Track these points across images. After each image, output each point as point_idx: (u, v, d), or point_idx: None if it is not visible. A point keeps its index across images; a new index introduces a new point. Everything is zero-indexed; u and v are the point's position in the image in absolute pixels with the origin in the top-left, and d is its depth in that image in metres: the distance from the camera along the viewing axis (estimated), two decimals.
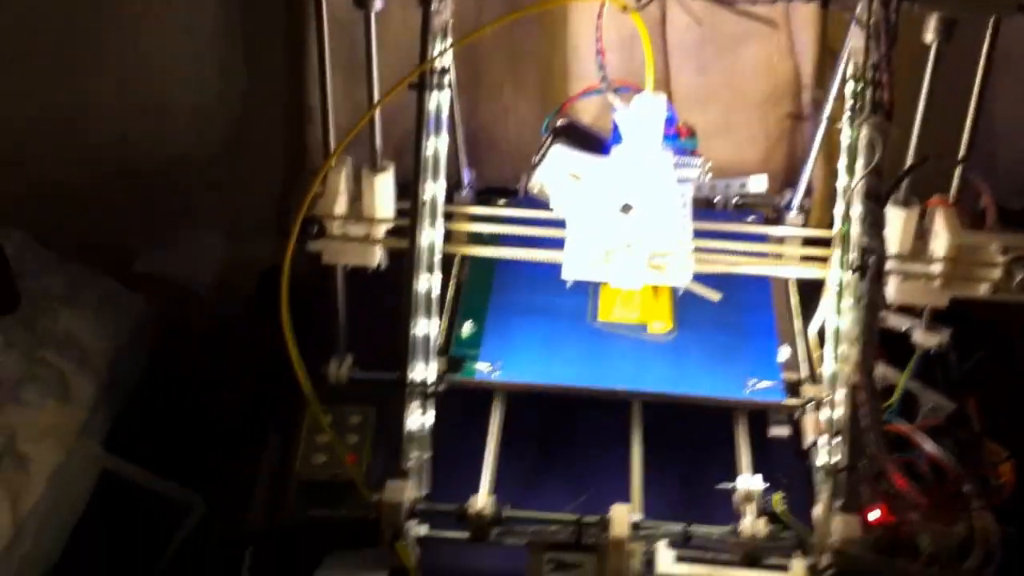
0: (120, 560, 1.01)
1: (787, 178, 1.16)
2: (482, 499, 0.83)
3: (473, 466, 0.88)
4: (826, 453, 0.81)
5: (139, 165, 1.23)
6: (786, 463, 0.91)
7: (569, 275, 0.91)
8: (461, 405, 0.95)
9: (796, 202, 1.09)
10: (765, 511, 0.84)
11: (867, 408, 0.77)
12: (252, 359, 1.16)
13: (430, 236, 0.90)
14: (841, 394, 0.80)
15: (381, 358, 0.94)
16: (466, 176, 1.12)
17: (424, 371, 0.88)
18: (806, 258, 0.99)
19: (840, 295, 0.84)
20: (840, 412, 0.80)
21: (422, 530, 0.86)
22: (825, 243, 0.97)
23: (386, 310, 0.90)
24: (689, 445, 0.94)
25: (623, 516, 0.81)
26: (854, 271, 0.79)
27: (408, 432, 0.85)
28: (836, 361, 0.85)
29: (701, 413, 0.94)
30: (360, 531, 0.86)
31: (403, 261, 0.90)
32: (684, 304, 0.99)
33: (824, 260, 0.96)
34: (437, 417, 0.91)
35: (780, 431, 0.94)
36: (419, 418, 0.87)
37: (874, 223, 0.80)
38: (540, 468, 0.94)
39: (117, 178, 1.23)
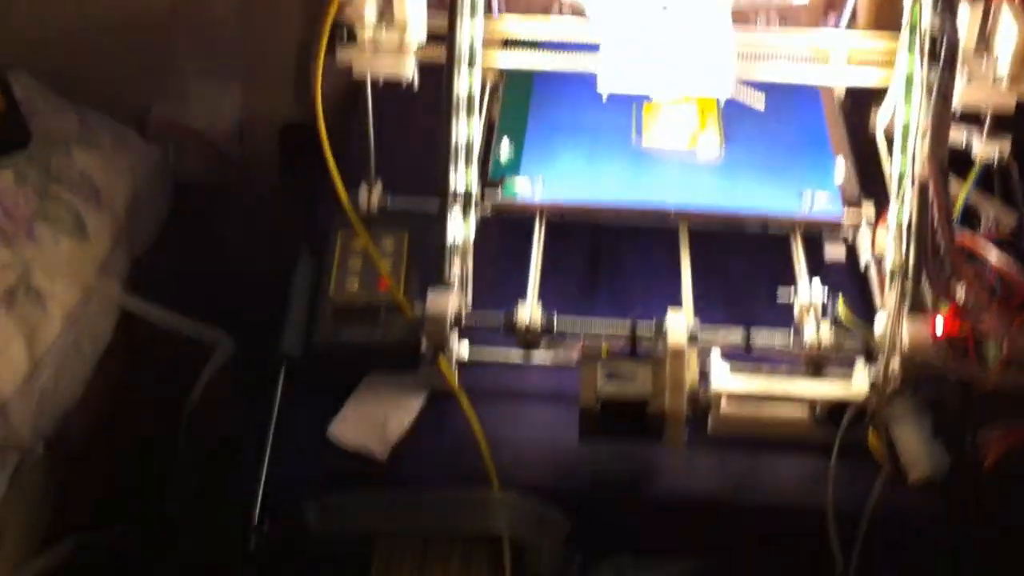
0: (146, 399, 0.97)
1: None
2: (529, 308, 0.80)
3: (517, 289, 0.83)
4: (892, 255, 0.77)
5: (152, 11, 1.18)
6: (843, 288, 0.86)
7: (605, 88, 0.85)
8: (500, 233, 0.90)
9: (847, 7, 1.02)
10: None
11: (938, 204, 0.74)
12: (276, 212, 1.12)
13: (470, 29, 0.83)
14: (909, 192, 0.76)
15: (414, 189, 0.90)
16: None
17: (465, 178, 0.83)
18: (859, 63, 0.92)
19: (908, 88, 0.79)
20: (908, 211, 0.76)
21: (464, 348, 0.83)
22: (877, 48, 0.91)
23: (420, 136, 0.85)
24: (741, 268, 0.90)
25: (680, 323, 0.77)
26: (924, 59, 0.75)
27: (450, 243, 0.81)
28: (903, 158, 0.79)
29: (753, 238, 0.90)
30: (398, 353, 0.83)
31: (439, 77, 0.86)
32: (731, 122, 0.94)
33: (878, 63, 0.90)
34: (476, 248, 0.86)
35: (836, 253, 0.89)
36: (461, 228, 0.83)
37: (946, 6, 0.75)
38: (585, 292, 0.89)
39: (130, 26, 1.17)
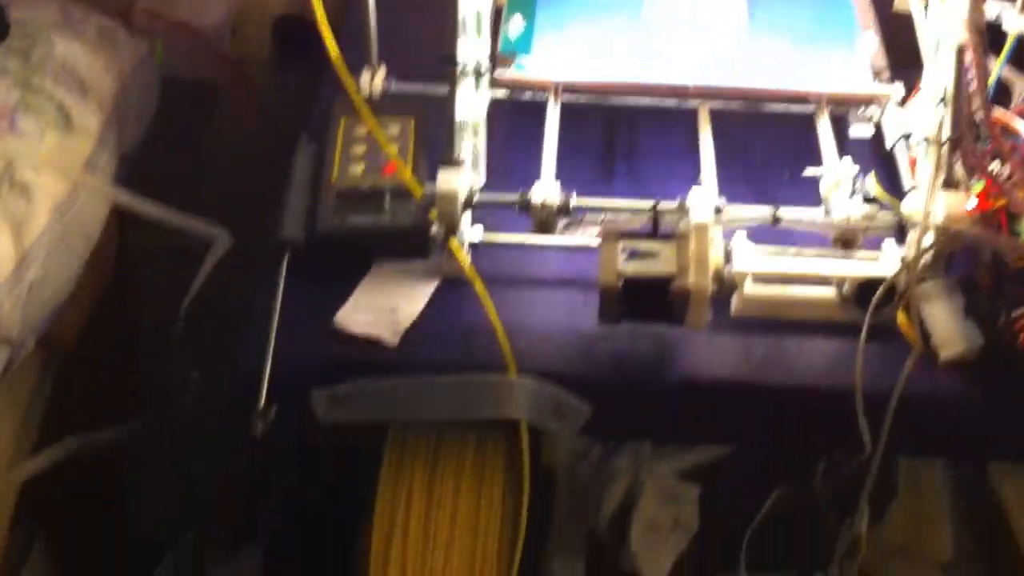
0: (141, 297, 0.94)
1: None
2: (546, 186, 0.76)
3: (530, 175, 0.79)
4: (926, 125, 0.74)
5: None
6: (869, 166, 0.82)
7: None
8: (512, 118, 0.87)
9: None
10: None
11: (976, 70, 0.70)
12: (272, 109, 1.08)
13: None
14: (945, 58, 0.72)
15: (418, 76, 0.85)
16: None
17: (475, 49, 0.79)
18: None
19: None
20: (943, 77, 0.72)
21: (477, 231, 0.80)
22: None
23: (422, 20, 0.80)
24: (764, 149, 0.86)
25: (703, 200, 0.74)
26: None
27: (460, 119, 0.77)
28: (939, 21, 0.75)
29: (776, 118, 0.86)
30: (407, 239, 0.79)
31: None
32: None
33: None
34: (488, 132, 0.82)
35: (862, 131, 0.86)
36: (472, 101, 0.79)
37: None
38: (601, 175, 0.86)
39: None
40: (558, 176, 0.79)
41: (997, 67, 0.83)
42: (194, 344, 0.88)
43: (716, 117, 0.85)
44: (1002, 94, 0.84)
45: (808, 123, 0.84)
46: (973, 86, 0.70)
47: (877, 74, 0.85)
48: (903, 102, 0.84)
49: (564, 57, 0.87)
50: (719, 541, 0.84)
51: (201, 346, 0.88)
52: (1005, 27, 0.83)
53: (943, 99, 0.71)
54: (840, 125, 0.86)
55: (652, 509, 0.85)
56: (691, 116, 0.86)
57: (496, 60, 0.86)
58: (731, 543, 0.83)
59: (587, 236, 0.76)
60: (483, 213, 0.81)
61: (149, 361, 0.96)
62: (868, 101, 0.85)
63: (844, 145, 0.85)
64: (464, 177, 0.75)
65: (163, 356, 0.91)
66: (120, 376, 0.98)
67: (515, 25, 0.88)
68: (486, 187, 0.80)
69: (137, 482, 0.96)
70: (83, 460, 0.90)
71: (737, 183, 0.81)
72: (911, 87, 0.84)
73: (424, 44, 0.79)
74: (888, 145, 0.84)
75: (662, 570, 0.86)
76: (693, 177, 0.80)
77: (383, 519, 0.78)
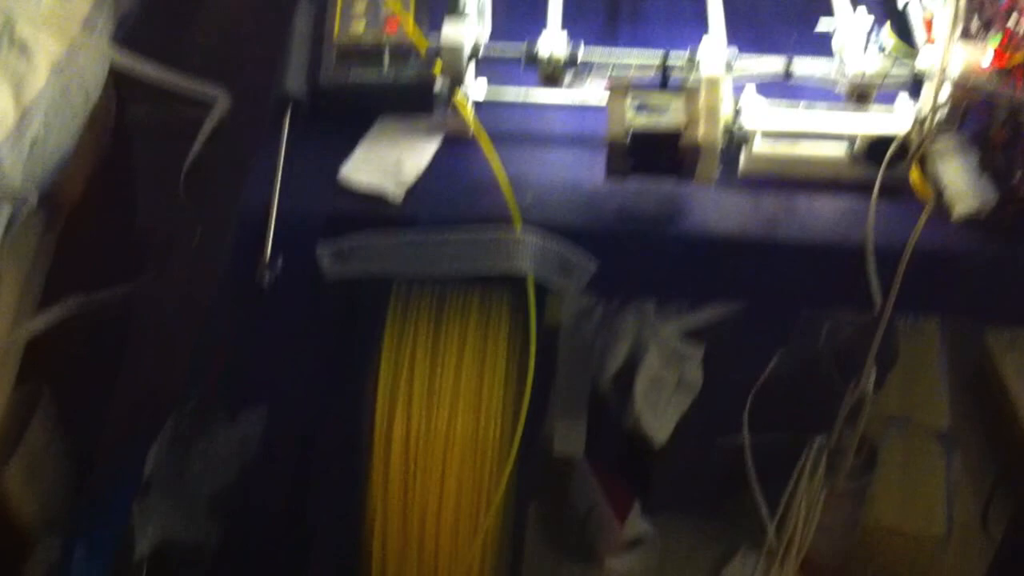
0: (142, 158, 0.93)
1: None
2: (553, 37, 0.74)
3: (535, 30, 0.76)
4: None
5: None
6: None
7: None
8: None
9: None
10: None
11: None
12: None
13: None
14: None
15: None
16: None
17: None
18: None
19: None
20: None
21: (481, 85, 0.78)
22: None
23: None
24: (773, 10, 0.84)
25: (715, 51, 0.72)
26: None
27: None
28: None
29: None
30: (410, 95, 0.78)
31: None
32: None
33: None
34: None
35: None
36: None
37: None
38: (607, 31, 0.84)
39: None
40: (565, 28, 0.77)
41: None
42: (197, 203, 0.88)
43: None
44: None
45: None
46: None
47: None
48: None
49: None
50: (722, 401, 0.85)
51: (204, 205, 0.88)
52: None
53: None
54: None
55: (656, 368, 0.86)
56: None
57: None
58: (734, 404, 0.84)
59: (594, 91, 0.75)
60: (487, 71, 0.79)
61: (152, 220, 0.95)
62: None
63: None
64: (470, 28, 0.73)
65: (166, 215, 0.90)
66: (123, 235, 0.98)
67: None
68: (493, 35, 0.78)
69: (142, 340, 0.96)
70: (87, 319, 0.90)
71: (746, 38, 0.78)
72: None
73: None
74: (900, 3, 0.82)
75: (665, 429, 0.87)
76: (703, 31, 0.78)
77: (387, 377, 0.79)
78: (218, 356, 0.89)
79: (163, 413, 0.94)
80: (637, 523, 0.99)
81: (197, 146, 0.92)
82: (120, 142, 0.96)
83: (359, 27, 0.81)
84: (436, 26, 0.75)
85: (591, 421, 0.91)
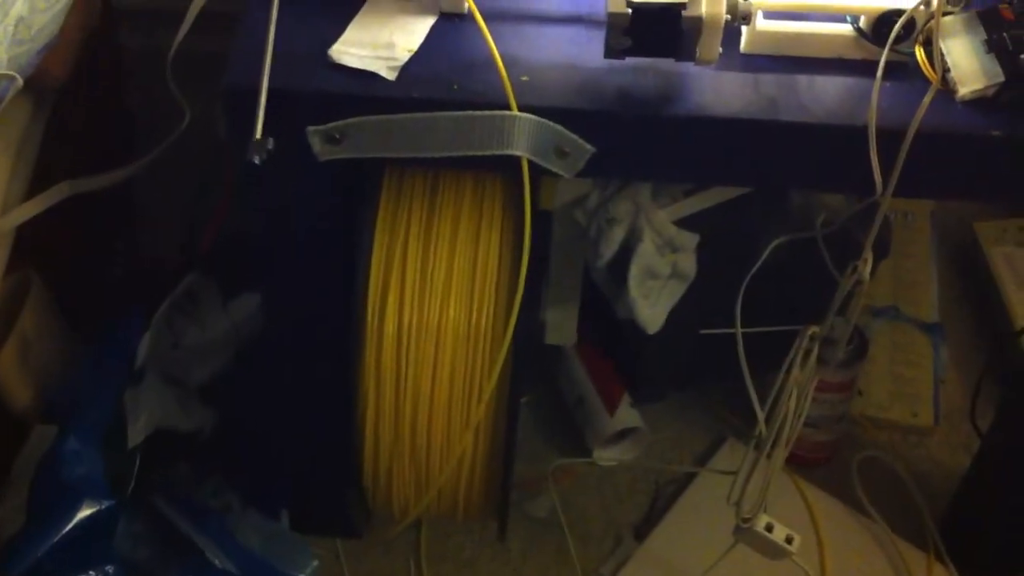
0: (125, 45, 0.91)
1: None
2: None
3: None
4: None
5: None
6: None
7: None
8: None
9: None
10: None
11: None
12: None
13: None
14: None
15: None
16: None
17: None
18: None
19: None
20: None
21: None
22: None
23: None
24: None
25: None
26: None
27: None
28: None
29: None
30: None
31: None
32: None
33: None
34: None
35: None
36: None
37: None
38: None
39: None
40: None
41: None
42: (186, 83, 0.85)
43: None
44: None
45: None
46: None
47: None
48: None
49: None
50: (716, 290, 0.84)
51: (194, 85, 0.85)
52: None
53: None
54: None
55: (650, 256, 0.85)
56: None
57: None
58: (728, 293, 0.83)
59: None
60: None
61: (141, 102, 0.93)
62: None
63: None
64: None
65: (155, 96, 0.88)
66: (112, 120, 0.96)
67: None
68: None
69: (135, 224, 0.94)
70: (78, 204, 0.88)
71: None
72: None
73: None
74: None
75: (659, 317, 0.87)
76: None
77: (378, 265, 0.78)
78: (210, 234, 0.88)
79: (157, 296, 0.93)
80: (627, 414, 1.00)
81: (186, 24, 0.89)
82: (107, 24, 0.94)
83: None
84: None
85: (583, 309, 0.91)
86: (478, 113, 0.70)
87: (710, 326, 0.90)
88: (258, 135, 0.67)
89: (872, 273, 0.75)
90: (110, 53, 0.97)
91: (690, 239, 0.86)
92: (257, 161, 0.66)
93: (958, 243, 1.22)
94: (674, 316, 0.88)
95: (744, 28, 0.73)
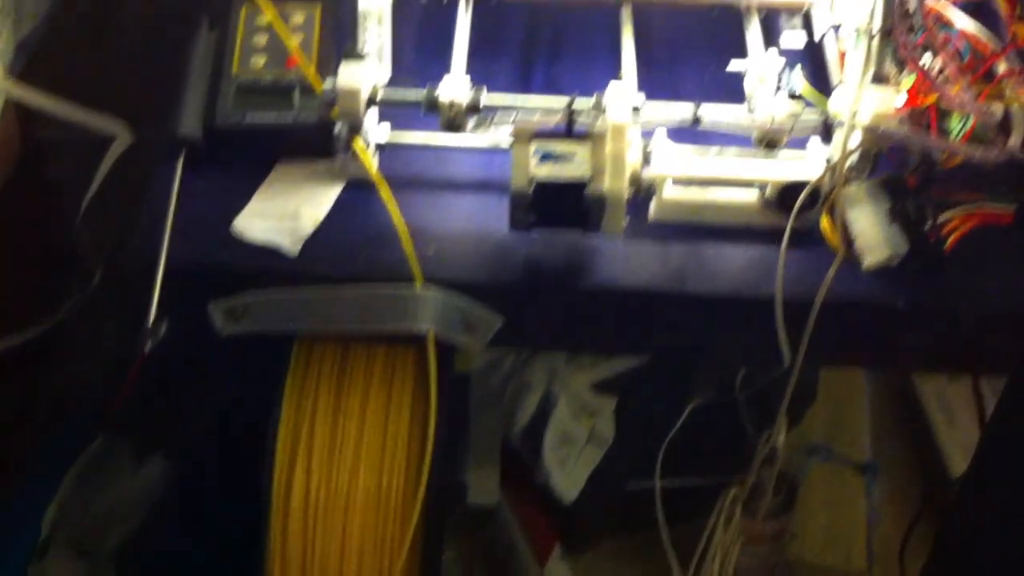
0: (40, 196, 0.89)
1: None
2: (454, 82, 0.71)
3: (441, 71, 0.74)
4: (857, 14, 0.70)
5: None
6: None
7: None
8: (423, 14, 0.82)
9: None
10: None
11: None
12: None
13: None
14: None
15: None
16: None
17: None
18: None
19: None
20: None
21: (383, 130, 0.75)
22: None
23: None
24: (689, 52, 0.82)
25: (621, 96, 0.70)
26: None
27: (364, 7, 0.71)
28: None
29: (703, 21, 0.82)
30: (310, 138, 0.74)
31: None
32: None
33: None
34: (396, 27, 0.77)
35: (794, 39, 0.80)
36: None
37: None
38: (517, 76, 0.81)
39: None
40: (472, 74, 0.74)
41: None
42: (97, 243, 0.84)
43: (642, 17, 0.80)
44: None
45: (739, 27, 0.80)
46: None
47: None
48: None
49: None
50: (636, 450, 0.82)
51: (104, 245, 0.84)
52: None
53: None
54: (773, 29, 0.82)
55: (566, 422, 0.83)
56: (615, 16, 0.81)
57: None
58: (647, 455, 0.82)
59: (500, 136, 0.72)
60: (392, 111, 0.76)
61: (57, 256, 0.91)
62: (799, 7, 0.80)
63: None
64: (368, 71, 0.70)
65: (68, 255, 0.86)
66: (36, 265, 0.93)
67: None
68: (394, 84, 0.75)
69: (45, 382, 0.92)
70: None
71: (660, 85, 0.76)
72: None
73: None
74: (817, 37, 0.80)
75: (575, 485, 0.85)
76: (615, 76, 0.76)
77: (287, 433, 0.76)
78: (120, 395, 0.85)
79: (66, 459, 0.90)
80: (558, 567, 0.98)
81: (95, 184, 0.88)
82: (26, 173, 0.92)
83: (260, 61, 0.78)
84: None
85: (506, 469, 0.89)
86: (381, 289, 0.69)
87: (637, 476, 0.88)
88: (150, 322, 0.65)
89: (798, 420, 0.74)
90: (29, 202, 0.95)
91: (607, 403, 0.84)
92: (146, 350, 0.64)
93: (892, 380, 1.21)
94: (597, 473, 0.86)
95: (653, 196, 0.73)
